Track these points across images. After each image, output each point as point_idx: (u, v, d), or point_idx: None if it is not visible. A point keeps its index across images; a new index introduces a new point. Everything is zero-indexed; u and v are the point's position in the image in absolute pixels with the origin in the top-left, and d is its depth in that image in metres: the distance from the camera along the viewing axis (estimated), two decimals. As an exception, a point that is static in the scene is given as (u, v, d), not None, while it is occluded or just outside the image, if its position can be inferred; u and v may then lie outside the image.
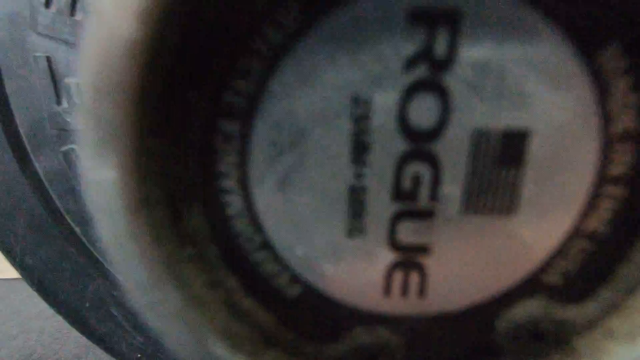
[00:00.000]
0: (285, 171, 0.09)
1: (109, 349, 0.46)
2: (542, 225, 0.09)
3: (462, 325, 0.10)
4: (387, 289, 0.10)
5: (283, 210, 0.09)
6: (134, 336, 0.45)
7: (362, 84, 0.08)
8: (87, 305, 0.45)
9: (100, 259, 0.43)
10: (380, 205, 0.09)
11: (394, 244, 0.10)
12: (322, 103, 0.09)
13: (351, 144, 0.09)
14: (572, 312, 0.10)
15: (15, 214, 0.42)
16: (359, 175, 0.09)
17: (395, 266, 0.10)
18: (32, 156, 0.40)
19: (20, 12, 0.36)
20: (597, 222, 0.09)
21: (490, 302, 0.10)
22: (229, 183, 0.09)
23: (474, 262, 0.10)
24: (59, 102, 0.37)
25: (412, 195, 0.09)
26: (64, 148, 0.40)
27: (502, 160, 0.09)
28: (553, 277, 0.10)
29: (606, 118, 0.08)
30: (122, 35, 0.06)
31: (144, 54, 0.07)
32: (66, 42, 0.35)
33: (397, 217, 0.09)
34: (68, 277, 0.44)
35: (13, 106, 0.38)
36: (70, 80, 0.37)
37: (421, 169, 0.09)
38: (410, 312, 0.10)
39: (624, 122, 0.08)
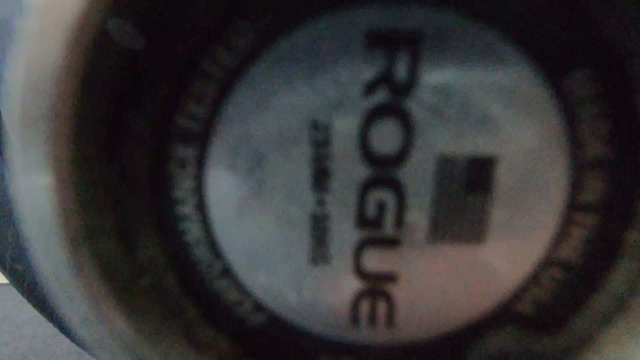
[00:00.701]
0: (244, 197, 0.09)
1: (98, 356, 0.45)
2: (513, 253, 0.09)
3: (432, 356, 0.10)
4: (354, 318, 0.10)
5: (243, 237, 0.09)
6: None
7: (321, 109, 0.08)
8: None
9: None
10: (344, 232, 0.09)
11: (360, 272, 0.09)
12: (279, 127, 0.08)
13: (312, 170, 0.08)
14: (545, 343, 0.09)
15: (4, 219, 0.41)
16: (321, 202, 0.09)
17: (361, 295, 0.09)
18: None
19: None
20: (570, 250, 0.09)
21: (460, 333, 0.09)
22: (186, 209, 0.09)
23: (443, 291, 0.09)
24: None
25: (376, 222, 0.09)
26: None
27: (468, 187, 0.08)
28: (525, 307, 0.09)
29: (576, 144, 0.08)
30: (49, 62, 0.06)
31: (75, 81, 0.06)
32: None
33: (362, 245, 0.09)
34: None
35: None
36: None
37: (385, 195, 0.09)
38: (378, 342, 0.10)
39: (594, 148, 0.08)
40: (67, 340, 0.64)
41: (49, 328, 0.67)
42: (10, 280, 0.43)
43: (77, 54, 0.06)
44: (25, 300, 0.69)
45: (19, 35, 0.06)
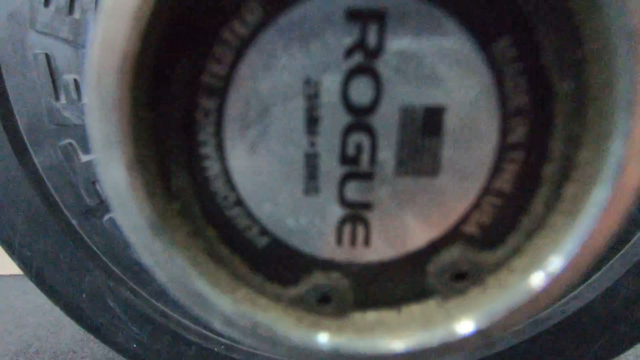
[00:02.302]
0: (253, 140, 0.12)
1: (105, 339, 0.48)
2: (460, 184, 0.12)
3: (400, 269, 0.13)
4: (338, 240, 0.12)
5: (252, 173, 0.12)
6: (129, 326, 0.47)
7: (312, 69, 0.11)
8: (84, 296, 0.47)
9: (97, 251, 0.45)
10: (331, 168, 0.12)
11: (343, 201, 0.12)
12: (280, 84, 0.11)
13: (305, 118, 0.11)
14: (486, 256, 0.12)
15: (14, 207, 0.44)
16: (312, 144, 0.12)
17: (344, 220, 0.12)
18: (31, 150, 0.43)
19: (20, 10, 0.38)
20: (503, 182, 0.12)
21: (421, 250, 0.12)
22: (208, 150, 0.12)
23: (407, 216, 0.12)
24: (57, 98, 0.40)
25: (355, 160, 0.12)
26: (62, 142, 0.42)
27: (424, 131, 0.11)
28: (470, 228, 0.12)
29: (503, 96, 0.11)
30: (121, 33, 0.09)
31: (137, 47, 0.09)
32: (65, 40, 0.38)
33: (345, 179, 0.12)
34: (65, 269, 0.46)
35: (12, 102, 0.41)
36: (68, 77, 0.39)
37: (362, 138, 0.12)
38: (358, 259, 0.13)
39: (517, 100, 0.11)
40: (72, 329, 0.67)
41: (52, 317, 0.70)
42: (18, 266, 0.46)
43: (139, 30, 0.09)
44: (27, 291, 0.72)
45: (97, 19, 0.09)
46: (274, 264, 0.13)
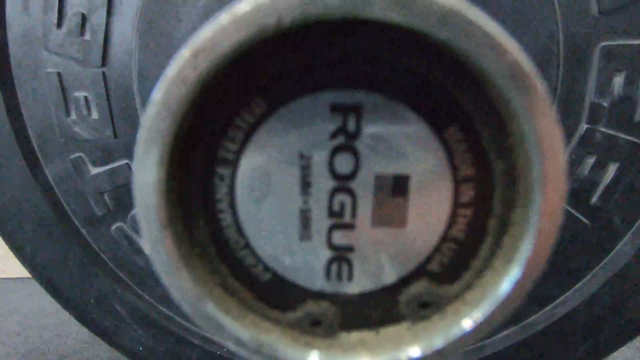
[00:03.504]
0: (258, 198, 0.15)
1: (111, 342, 0.51)
2: (423, 233, 0.15)
3: (377, 299, 0.16)
4: (327, 275, 0.16)
5: (258, 223, 0.16)
6: (135, 330, 0.50)
7: (305, 146, 0.15)
8: (92, 301, 0.51)
9: (104, 258, 0.49)
10: (320, 220, 0.16)
11: (330, 246, 0.16)
12: (280, 157, 0.15)
13: (300, 182, 0.15)
14: (445, 289, 0.16)
15: (26, 216, 0.47)
16: (305, 202, 0.15)
17: (332, 260, 0.16)
18: (42, 163, 0.46)
19: (33, 31, 0.42)
20: (457, 231, 0.15)
21: (393, 284, 0.16)
22: (223, 206, 0.16)
23: (382, 258, 0.16)
24: (68, 114, 0.43)
25: (340, 214, 0.15)
26: (72, 156, 0.46)
27: (394, 193, 0.15)
28: (433, 267, 0.16)
29: (454, 168, 0.15)
30: (161, 125, 0.13)
31: (171, 134, 0.13)
32: (75, 60, 0.41)
33: (331, 228, 0.16)
34: (74, 275, 0.50)
35: (25, 117, 0.44)
36: (79, 94, 0.43)
37: (345, 198, 0.15)
38: (343, 291, 0.16)
39: (465, 171, 0.15)
40: (76, 331, 0.72)
41: (58, 319, 0.74)
42: (29, 272, 0.50)
43: (174, 119, 0.13)
44: (32, 293, 0.76)
45: (147, 110, 0.13)
46: (274, 295, 0.17)
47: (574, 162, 0.39)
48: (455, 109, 0.14)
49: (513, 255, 0.14)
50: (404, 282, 0.16)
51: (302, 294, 0.16)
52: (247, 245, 0.16)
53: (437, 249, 0.16)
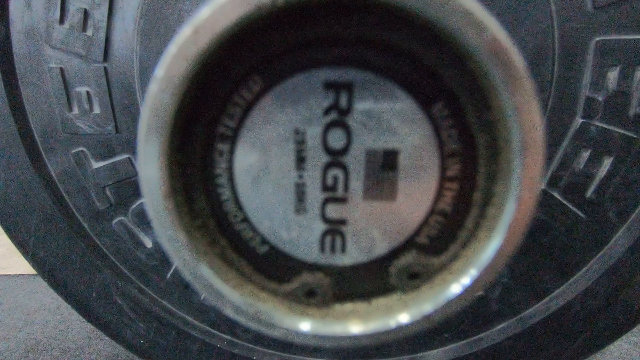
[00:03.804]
0: (256, 173, 0.16)
1: (113, 336, 0.51)
2: (412, 207, 0.16)
3: (369, 270, 0.17)
4: (321, 248, 0.17)
5: (255, 198, 0.17)
6: (136, 323, 0.51)
7: (300, 122, 0.16)
8: (94, 294, 0.51)
9: (106, 252, 0.50)
10: (315, 195, 0.16)
11: (324, 219, 0.17)
12: (277, 133, 0.16)
13: (295, 157, 0.16)
14: (433, 260, 0.17)
15: (28, 210, 0.48)
16: (300, 176, 0.16)
17: (326, 233, 0.17)
18: (45, 158, 0.47)
19: (36, 27, 0.43)
20: (444, 204, 0.16)
21: (384, 256, 0.17)
22: (222, 180, 0.16)
23: (373, 230, 0.17)
24: (70, 109, 0.44)
25: (333, 188, 0.16)
26: (74, 150, 0.46)
27: (384, 167, 0.16)
28: (422, 239, 0.17)
29: (440, 143, 0.15)
30: (164, 100, 0.14)
31: (173, 109, 0.14)
32: (78, 55, 0.42)
33: (325, 202, 0.17)
34: (77, 268, 0.50)
35: (28, 112, 0.45)
36: (81, 89, 0.44)
37: (338, 172, 0.16)
38: (336, 263, 0.17)
39: (451, 146, 0.16)
40: (78, 326, 0.72)
41: (60, 315, 0.75)
42: (32, 266, 0.51)
43: (177, 97, 0.14)
44: (35, 290, 0.77)
45: (151, 83, 0.14)
46: (271, 266, 0.18)
47: (570, 156, 0.40)
48: (441, 86, 0.15)
49: (495, 224, 0.15)
50: (394, 254, 0.17)
51: (298, 266, 0.17)
52: (245, 219, 0.17)
53: (425, 222, 0.16)
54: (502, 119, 0.13)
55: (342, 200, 0.17)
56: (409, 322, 0.16)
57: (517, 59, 0.13)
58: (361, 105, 0.15)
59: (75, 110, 0.44)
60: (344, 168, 0.16)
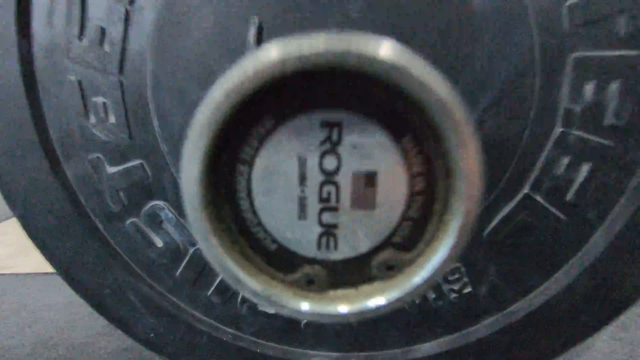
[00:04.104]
0: (268, 189, 0.23)
1: (125, 330, 0.55)
2: (388, 214, 0.23)
3: (355, 264, 0.24)
4: (318, 246, 0.24)
5: (268, 207, 0.23)
6: (147, 318, 0.55)
7: (302, 151, 0.22)
8: (107, 291, 0.55)
9: (119, 251, 0.56)
10: (313, 205, 0.23)
11: (321, 224, 0.23)
12: (285, 159, 0.22)
13: (298, 177, 0.23)
14: (405, 256, 0.23)
15: (47, 212, 0.51)
16: (302, 191, 0.23)
17: (322, 235, 0.24)
18: (63, 163, 0.52)
19: (57, 42, 0.49)
20: (413, 212, 0.23)
21: (367, 252, 0.24)
22: (242, 194, 0.23)
23: (358, 232, 0.23)
24: (87, 118, 0.50)
25: (327, 200, 0.23)
26: (90, 156, 0.53)
27: (366, 184, 0.23)
28: (396, 239, 0.23)
29: (409, 166, 0.22)
30: (203, 136, 0.20)
31: (209, 143, 0.20)
32: (95, 68, 0.49)
33: (321, 211, 0.23)
34: (91, 267, 0.54)
35: (48, 120, 0.50)
36: (97, 100, 0.50)
37: (331, 188, 0.23)
38: (330, 258, 0.24)
39: (417, 168, 0.22)
40: (85, 324, 0.79)
41: (68, 313, 0.82)
42: (50, 264, 0.56)
43: (210, 136, 0.20)
44: (42, 289, 0.84)
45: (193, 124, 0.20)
46: (279, 260, 0.24)
47: (551, 162, 0.46)
48: (408, 124, 0.21)
49: (449, 228, 0.22)
50: (375, 251, 0.24)
51: (300, 260, 0.24)
52: (259, 223, 0.24)
53: (398, 226, 0.23)
54: (450, 151, 0.20)
55: (334, 209, 0.23)
56: (386, 303, 0.23)
57: (458, 112, 0.19)
58: (348, 139, 0.22)
59: (92, 119, 0.49)
60: (336, 185, 0.23)
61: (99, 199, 0.53)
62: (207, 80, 0.46)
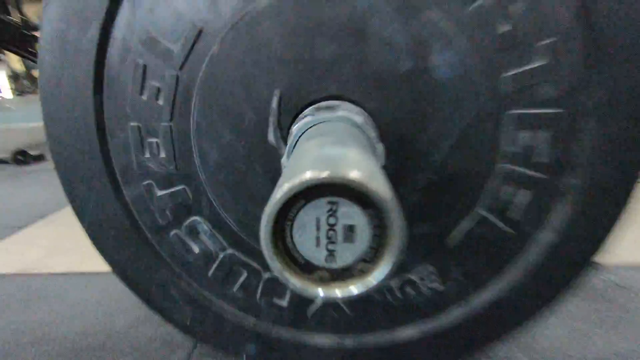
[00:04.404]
0: (301, 232, 0.66)
1: (167, 318, 0.84)
2: (362, 245, 0.66)
3: (345, 270, 0.66)
4: (325, 261, 0.65)
5: (301, 241, 0.66)
6: (185, 309, 0.84)
7: (318, 215, 0.64)
8: (154, 288, 0.84)
9: (164, 256, 0.81)
10: (323, 240, 0.65)
11: (327, 250, 0.65)
12: (309, 220, 0.65)
13: (316, 228, 0.64)
14: (369, 266, 0.65)
15: (109, 226, 0.80)
16: (317, 234, 0.65)
17: (327, 255, 0.65)
18: (123, 187, 0.80)
19: (123, 96, 0.73)
20: (374, 244, 0.65)
21: (351, 264, 0.66)
22: (288, 236, 0.65)
23: (347, 254, 0.66)
24: (143, 153, 0.75)
25: (331, 239, 0.66)
26: (144, 182, 0.78)
27: (350, 231, 0.65)
28: (366, 257, 0.66)
29: (374, 226, 0.65)
30: (272, 215, 0.62)
31: (273, 218, 0.62)
32: (151, 117, 0.72)
33: (327, 244, 0.65)
34: (142, 269, 0.82)
35: (112, 154, 0.76)
36: (152, 140, 0.74)
37: (332, 233, 0.65)
38: (332, 267, 0.66)
39: (376, 223, 0.65)
40: (122, 315, 1.13)
41: (102, 307, 1.15)
42: (110, 267, 0.83)
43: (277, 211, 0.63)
44: (77, 286, 1.25)
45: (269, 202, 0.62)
46: (306, 268, 0.68)
47: (496, 189, 0.76)
48: (372, 205, 0.65)
49: (390, 254, 0.66)
50: (355, 263, 0.67)
51: (315, 268, 0.68)
52: (296, 249, 0.68)
53: (367, 251, 0.67)
54: (388, 224, 0.64)
55: (334, 242, 0.67)
56: (359, 291, 0.67)
57: (396, 211, 0.63)
58: (341, 209, 0.66)
59: (147, 155, 0.76)
60: (335, 231, 0.67)
61: (150, 215, 0.83)
62: (236, 128, 0.77)
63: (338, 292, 0.57)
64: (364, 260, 0.58)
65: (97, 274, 1.34)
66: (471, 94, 0.74)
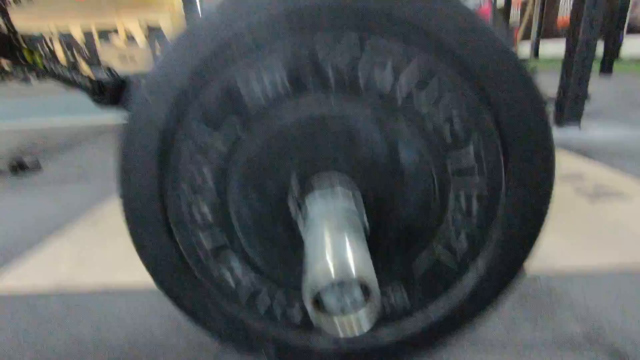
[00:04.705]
0: (324, 294, 1.03)
1: (204, 328, 0.97)
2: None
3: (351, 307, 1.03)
4: (341, 311, 1.03)
5: (326, 301, 1.03)
6: (215, 316, 0.97)
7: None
8: (196, 304, 0.97)
9: (199, 277, 0.93)
10: (336, 290, 1.03)
11: (339, 294, 1.03)
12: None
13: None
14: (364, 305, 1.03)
15: (163, 260, 0.91)
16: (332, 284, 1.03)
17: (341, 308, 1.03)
18: (175, 233, 0.90)
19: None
20: (365, 297, 1.03)
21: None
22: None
23: (356, 293, 1.04)
24: (194, 219, 0.87)
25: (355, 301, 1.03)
26: (192, 231, 0.91)
27: (364, 294, 1.02)
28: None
29: (366, 294, 1.03)
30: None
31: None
32: (201, 196, 0.88)
33: (338, 291, 1.03)
34: (188, 291, 0.94)
35: (170, 216, 0.87)
36: (203, 210, 0.89)
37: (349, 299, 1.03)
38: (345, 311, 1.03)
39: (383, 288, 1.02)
40: (156, 325, 1.22)
41: (132, 317, 1.24)
42: (158, 287, 0.92)
43: None
44: (105, 301, 1.36)
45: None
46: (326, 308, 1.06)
47: (445, 231, 1.03)
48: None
49: (373, 301, 1.04)
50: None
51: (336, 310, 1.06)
52: (321, 300, 1.05)
53: (367, 298, 1.06)
54: (371, 296, 1.02)
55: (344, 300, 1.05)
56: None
57: (375, 287, 1.02)
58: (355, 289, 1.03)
59: (198, 218, 0.91)
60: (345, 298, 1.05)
61: (193, 251, 0.94)
62: (263, 201, 0.88)
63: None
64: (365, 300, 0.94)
65: (124, 289, 1.41)
66: (425, 174, 0.93)
